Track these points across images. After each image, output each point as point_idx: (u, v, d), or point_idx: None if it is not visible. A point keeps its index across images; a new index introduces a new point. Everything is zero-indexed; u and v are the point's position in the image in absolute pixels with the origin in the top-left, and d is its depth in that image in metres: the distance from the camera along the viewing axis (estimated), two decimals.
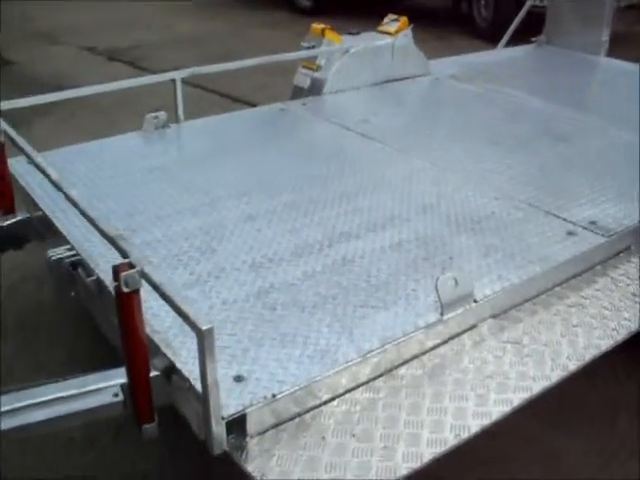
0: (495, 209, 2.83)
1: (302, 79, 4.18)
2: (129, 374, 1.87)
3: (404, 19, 4.36)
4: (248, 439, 1.82)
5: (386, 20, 4.42)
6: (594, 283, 2.54)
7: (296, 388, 1.89)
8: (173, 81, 3.61)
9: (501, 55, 5.15)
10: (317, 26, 4.17)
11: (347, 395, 1.99)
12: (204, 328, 1.61)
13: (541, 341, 2.23)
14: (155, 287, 1.74)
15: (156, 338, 2.00)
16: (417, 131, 3.65)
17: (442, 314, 2.16)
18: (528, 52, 5.23)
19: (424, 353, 2.15)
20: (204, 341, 1.62)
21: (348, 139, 3.50)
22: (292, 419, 1.90)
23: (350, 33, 4.32)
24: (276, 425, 1.87)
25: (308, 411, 1.92)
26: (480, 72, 4.59)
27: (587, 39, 4.89)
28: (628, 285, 2.53)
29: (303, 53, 4.10)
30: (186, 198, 2.92)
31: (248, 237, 2.62)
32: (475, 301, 2.24)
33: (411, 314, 2.19)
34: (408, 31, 4.36)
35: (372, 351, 2.03)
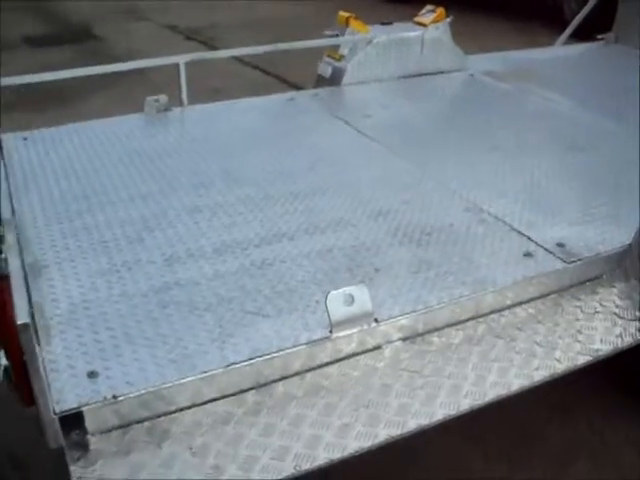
0: (455, 221, 2.61)
1: (324, 68, 4.04)
2: (7, 357, 1.86)
3: (440, 10, 4.11)
4: (89, 437, 1.77)
5: (423, 11, 4.19)
6: (538, 314, 2.28)
7: (142, 392, 1.81)
8: (177, 65, 3.57)
9: (557, 53, 4.76)
10: (342, 14, 4.00)
11: (208, 405, 1.89)
12: (19, 323, 1.57)
13: (445, 373, 2.03)
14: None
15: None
16: (418, 129, 3.44)
17: (331, 331, 2.00)
18: (589, 51, 4.81)
19: (311, 370, 2.01)
20: (21, 336, 1.58)
21: (340, 134, 3.35)
22: (141, 422, 1.82)
23: (382, 23, 4.12)
24: (122, 427, 1.80)
25: (161, 416, 1.84)
26: (522, 70, 4.26)
27: None
28: (577, 320, 2.26)
29: (325, 41, 3.97)
30: (147, 184, 2.90)
31: (181, 229, 2.56)
32: (376, 321, 2.05)
33: (299, 327, 2.05)
34: (444, 23, 4.10)
35: (236, 363, 1.91)
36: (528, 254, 2.42)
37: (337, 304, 2.00)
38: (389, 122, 3.52)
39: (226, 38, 7.20)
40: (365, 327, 2.04)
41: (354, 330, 2.03)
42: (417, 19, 4.17)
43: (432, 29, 4.05)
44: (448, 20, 4.15)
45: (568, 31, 4.77)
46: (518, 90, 3.99)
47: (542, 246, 2.46)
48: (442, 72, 4.20)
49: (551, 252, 2.42)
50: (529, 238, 2.50)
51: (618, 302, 2.36)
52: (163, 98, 3.59)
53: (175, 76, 5.70)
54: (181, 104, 3.65)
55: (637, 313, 2.31)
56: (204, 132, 3.39)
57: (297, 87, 5.81)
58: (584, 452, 2.59)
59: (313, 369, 2.01)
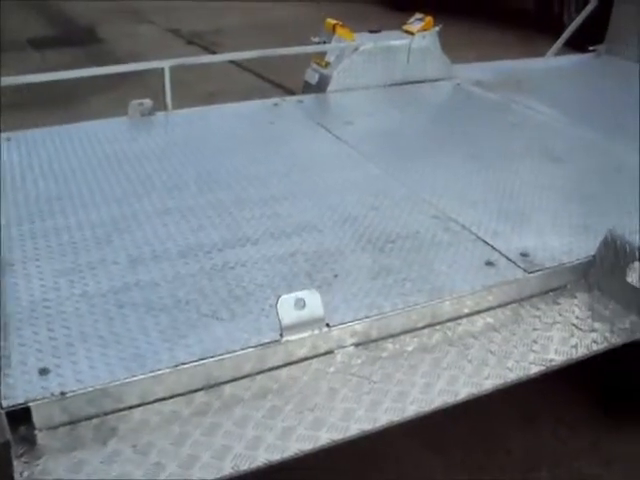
0: (422, 229, 2.63)
1: (311, 75, 4.08)
2: None
3: (429, 19, 4.14)
4: (37, 433, 1.81)
5: (412, 19, 4.22)
6: (496, 323, 2.30)
7: (90, 389, 1.85)
8: (162, 69, 3.62)
9: (548, 63, 4.77)
10: (329, 21, 4.04)
11: (157, 404, 1.93)
12: None
13: (394, 380, 2.05)
14: None
15: None
16: (399, 137, 3.47)
17: (281, 335, 2.03)
18: (580, 62, 4.82)
19: (261, 372, 2.04)
20: None
21: (319, 141, 3.38)
22: (89, 419, 1.86)
23: (370, 30, 4.15)
24: (70, 423, 1.84)
25: (109, 414, 1.88)
26: (511, 80, 4.28)
27: None
28: (534, 330, 2.28)
29: (311, 48, 4.01)
30: (122, 187, 2.94)
31: (149, 232, 2.61)
32: (328, 326, 2.08)
33: (251, 331, 2.08)
34: (431, 32, 4.13)
35: (185, 363, 1.94)
36: (490, 263, 2.44)
37: (288, 308, 2.02)
38: (370, 129, 3.55)
39: (227, 43, 7.26)
40: (316, 332, 2.07)
41: (305, 334, 2.06)
42: (405, 27, 4.20)
43: (419, 38, 4.08)
44: (436, 29, 4.17)
45: (560, 42, 4.78)
46: (504, 100, 4.01)
47: (505, 255, 2.47)
48: (429, 81, 4.23)
49: (513, 261, 2.44)
50: (493, 247, 2.52)
51: (578, 313, 2.36)
52: (147, 102, 3.64)
53: (175, 79, 5.79)
54: (165, 108, 3.70)
55: (595, 324, 2.32)
56: (185, 136, 3.43)
57: (292, 92, 5.86)
58: (547, 461, 2.59)
59: (263, 372, 2.04)
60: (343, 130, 3.49)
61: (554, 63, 4.77)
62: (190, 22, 8.36)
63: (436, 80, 4.25)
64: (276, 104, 3.84)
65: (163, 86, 3.66)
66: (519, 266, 2.42)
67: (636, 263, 2.38)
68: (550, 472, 2.55)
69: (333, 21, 4.05)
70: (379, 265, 2.40)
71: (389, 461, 2.56)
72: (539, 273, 2.40)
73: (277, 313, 2.01)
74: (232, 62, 6.36)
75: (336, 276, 2.35)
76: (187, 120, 3.62)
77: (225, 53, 3.86)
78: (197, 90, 5.83)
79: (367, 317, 2.14)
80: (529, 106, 3.91)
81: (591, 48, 4.84)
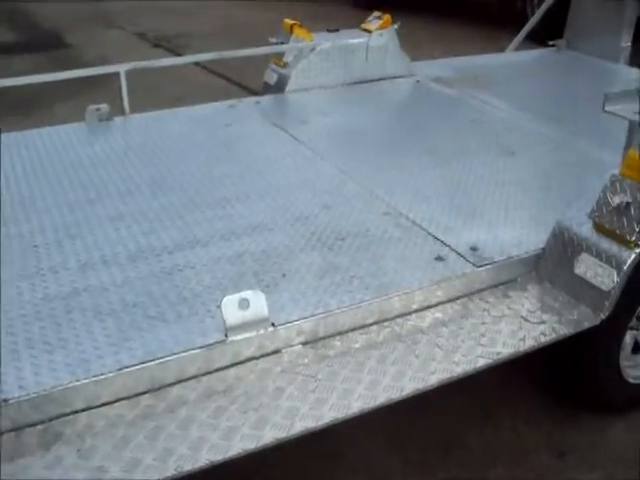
0: (373, 226, 2.65)
1: (270, 75, 4.09)
2: None
3: (387, 17, 4.16)
4: None
5: (370, 17, 4.23)
6: (445, 317, 2.32)
7: (33, 395, 1.85)
8: (117, 74, 3.61)
9: (508, 59, 4.80)
10: (287, 21, 4.05)
11: (103, 408, 1.93)
12: None
13: (340, 377, 2.06)
14: None
15: None
16: (354, 135, 3.48)
17: (226, 336, 2.04)
18: (539, 57, 4.86)
19: (207, 373, 2.04)
20: None
21: (274, 141, 3.39)
22: (34, 425, 1.86)
23: (329, 30, 4.17)
24: (15, 430, 1.83)
25: (54, 419, 1.88)
26: (470, 76, 4.31)
27: (607, 45, 4.47)
28: (483, 324, 2.30)
29: (268, 49, 4.01)
30: (75, 192, 2.94)
31: (101, 236, 2.61)
32: (273, 325, 2.09)
33: (196, 332, 2.09)
34: (389, 30, 4.15)
35: (128, 366, 1.94)
36: (439, 258, 2.46)
37: (232, 309, 2.04)
38: (326, 128, 3.56)
39: (193, 45, 7.26)
40: (262, 331, 2.08)
41: (250, 334, 2.07)
42: (363, 26, 4.22)
43: (376, 36, 4.10)
44: (395, 27, 4.19)
45: (520, 37, 4.82)
46: (462, 96, 4.04)
47: (455, 250, 2.50)
48: (388, 78, 4.25)
49: (462, 256, 2.46)
50: (443, 242, 2.54)
51: (527, 305, 2.39)
52: (104, 107, 3.63)
53: (142, 83, 5.79)
54: (123, 113, 3.69)
55: (544, 316, 2.34)
56: (141, 141, 3.43)
57: (257, 93, 5.87)
58: (504, 457, 2.61)
59: (210, 373, 2.05)
60: (299, 130, 3.50)
61: (513, 58, 4.81)
62: (157, 26, 8.35)
63: (395, 77, 4.27)
64: (233, 106, 3.85)
65: (120, 90, 3.64)
66: (468, 260, 2.44)
67: (583, 254, 2.41)
68: (507, 467, 2.56)
69: (291, 21, 4.06)
70: (328, 263, 2.42)
71: (347, 459, 2.57)
72: (488, 267, 2.43)
73: (221, 314, 2.02)
74: (199, 65, 6.36)
75: (284, 275, 2.36)
76: (144, 125, 3.61)
77: (184, 56, 3.83)
78: (164, 94, 5.82)
79: (313, 315, 2.16)
80: (487, 101, 3.94)
81: (551, 43, 4.88)
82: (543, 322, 2.31)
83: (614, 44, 4.48)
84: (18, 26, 8.29)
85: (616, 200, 2.32)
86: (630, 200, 2.31)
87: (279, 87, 4.01)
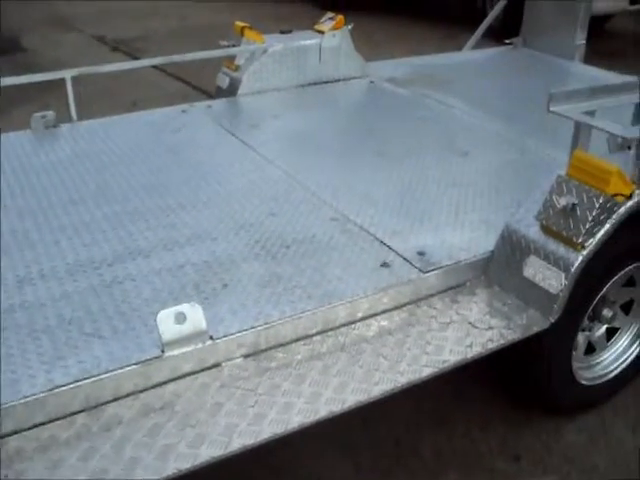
0: (319, 232, 2.60)
1: (222, 79, 4.02)
2: None
3: (340, 18, 4.11)
4: None
5: (323, 18, 4.18)
6: (391, 325, 2.27)
7: None
8: (63, 80, 3.52)
9: (465, 57, 4.78)
10: (238, 24, 3.99)
11: (36, 430, 1.85)
12: None
13: (280, 391, 2.01)
14: None
15: None
16: (305, 138, 3.43)
17: (163, 351, 1.97)
18: (496, 55, 4.84)
19: (144, 390, 1.98)
20: None
21: (223, 146, 3.32)
22: None
23: (282, 31, 4.11)
24: None
25: None
26: (425, 75, 4.27)
27: (562, 42, 4.46)
28: (429, 331, 2.26)
29: (219, 52, 3.93)
30: (15, 203, 2.85)
31: (41, 249, 2.53)
32: (212, 338, 2.03)
33: (132, 348, 2.02)
34: (342, 30, 4.09)
35: (63, 385, 1.87)
36: (385, 264, 2.41)
37: (168, 323, 1.97)
38: (277, 132, 3.50)
39: (151, 48, 7.16)
40: (200, 345, 2.02)
41: (188, 349, 2.00)
42: (316, 27, 4.17)
43: (329, 36, 4.05)
44: (348, 27, 4.14)
45: (476, 35, 4.79)
46: (416, 96, 4.00)
47: (401, 255, 2.45)
48: (342, 80, 4.19)
49: (409, 261, 2.42)
50: (390, 248, 2.50)
51: (476, 310, 2.35)
52: (50, 114, 3.54)
53: (100, 88, 5.70)
54: (70, 120, 3.60)
55: (492, 322, 2.30)
56: (88, 148, 3.34)
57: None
58: (457, 462, 2.57)
59: (147, 389, 1.98)
60: (249, 134, 3.44)
61: (470, 57, 4.78)
62: (117, 29, 8.23)
63: (349, 79, 4.22)
64: (184, 111, 3.77)
65: (66, 97, 3.55)
66: (415, 266, 2.39)
67: (531, 257, 2.37)
68: (460, 473, 2.53)
69: (241, 24, 4.00)
70: (270, 272, 2.36)
71: (300, 464, 2.52)
72: (435, 272, 2.38)
73: (157, 328, 1.96)
74: (158, 69, 6.27)
75: (225, 286, 2.30)
76: (91, 131, 3.53)
77: (131, 61, 3.75)
78: (120, 98, 5.73)
79: (253, 327, 2.10)
80: (441, 101, 3.90)
81: (507, 41, 4.86)
82: (491, 328, 2.27)
83: (569, 42, 4.48)
84: None
85: (562, 202, 2.28)
86: (576, 201, 2.28)
87: (231, 91, 3.94)
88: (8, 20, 8.24)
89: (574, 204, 2.28)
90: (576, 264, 2.25)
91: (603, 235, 2.26)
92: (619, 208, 2.26)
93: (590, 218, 2.24)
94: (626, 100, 2.56)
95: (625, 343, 2.81)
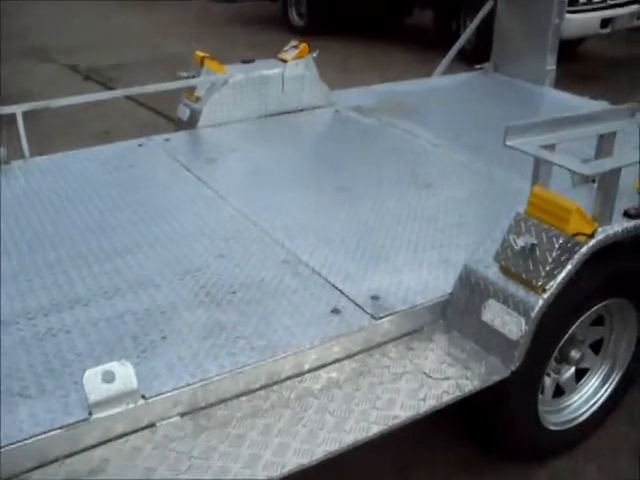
0: (269, 275, 2.46)
1: (183, 111, 3.89)
2: None
3: (304, 46, 4.00)
4: None
5: (286, 47, 4.07)
6: (340, 377, 2.13)
7: None
8: (14, 115, 3.39)
9: (434, 83, 4.67)
10: (198, 53, 3.87)
11: None
12: None
13: (216, 453, 1.86)
14: None
15: None
16: (263, 173, 3.30)
17: (90, 413, 1.83)
18: (466, 80, 4.74)
19: (71, 455, 1.83)
20: None
21: (177, 183, 3.19)
22: None
23: (244, 61, 3.99)
24: None
25: None
26: (392, 103, 4.16)
27: (532, 67, 4.36)
28: (380, 384, 2.12)
29: (178, 83, 3.82)
30: None
31: None
32: (144, 397, 1.88)
33: (58, 410, 1.88)
34: (307, 59, 3.98)
35: None
36: (335, 310, 2.27)
37: (95, 383, 1.83)
38: (233, 167, 3.37)
39: (124, 78, 7.04)
40: (131, 405, 1.87)
41: (117, 410, 1.86)
42: (280, 55, 4.06)
43: (292, 65, 3.93)
44: (313, 55, 4.03)
45: (446, 60, 4.69)
46: (381, 125, 3.88)
47: (353, 301, 2.32)
48: (306, 109, 4.08)
49: (361, 307, 2.28)
50: (341, 292, 2.36)
51: (432, 359, 2.22)
52: (2, 151, 3.40)
53: (69, 118, 5.57)
54: (22, 156, 3.46)
55: (449, 371, 2.16)
56: (36, 186, 3.19)
57: None
58: None
59: (75, 454, 1.83)
60: (205, 169, 3.31)
61: (439, 83, 4.67)
62: (91, 58, 8.13)
63: (314, 108, 4.10)
64: (141, 145, 3.64)
65: (17, 132, 3.42)
66: (367, 312, 2.26)
67: (490, 301, 2.24)
68: None
69: (201, 53, 3.88)
70: (213, 321, 2.22)
71: None
72: (388, 318, 2.25)
73: (84, 389, 1.81)
74: (129, 98, 6.15)
75: (164, 338, 2.16)
76: (43, 168, 3.39)
77: (90, 94, 3.64)
78: (91, 129, 5.61)
79: (189, 384, 1.95)
80: (407, 130, 3.78)
81: (477, 66, 4.76)
82: (447, 378, 2.13)
83: (539, 67, 4.38)
84: None
85: (520, 242, 2.15)
86: (535, 242, 2.15)
87: (192, 122, 3.82)
88: None
89: (533, 244, 2.15)
90: (536, 308, 2.12)
91: (565, 277, 2.13)
92: (580, 248, 2.13)
93: (550, 260, 2.11)
94: (588, 133, 2.44)
95: (595, 384, 2.67)
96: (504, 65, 4.65)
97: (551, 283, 2.12)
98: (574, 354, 2.52)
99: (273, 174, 3.28)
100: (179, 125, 3.91)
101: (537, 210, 2.19)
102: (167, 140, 3.68)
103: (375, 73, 6.72)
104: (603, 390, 2.67)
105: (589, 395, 2.66)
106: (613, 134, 2.51)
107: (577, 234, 2.13)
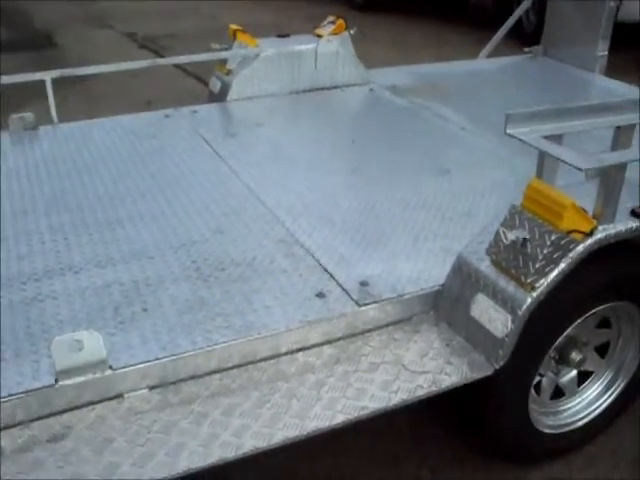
0: (261, 254, 2.47)
1: (214, 83, 3.92)
2: None
3: (340, 22, 3.95)
4: None
5: (324, 22, 4.03)
6: (317, 363, 2.12)
7: None
8: (43, 81, 3.48)
9: (477, 66, 4.54)
10: (231, 27, 3.87)
11: None
12: None
13: (176, 430, 1.89)
14: None
15: None
16: (282, 149, 3.29)
17: (57, 380, 1.88)
18: (511, 64, 4.59)
19: (38, 419, 1.89)
20: None
21: (194, 155, 3.22)
22: None
23: (279, 35, 3.98)
24: None
25: None
26: (430, 85, 4.07)
27: (583, 53, 4.20)
28: (355, 372, 2.10)
29: (208, 55, 3.84)
30: None
31: None
32: (111, 368, 1.92)
33: (28, 374, 1.95)
34: (342, 35, 3.94)
35: None
36: (321, 294, 2.26)
37: (63, 351, 1.87)
38: (254, 142, 3.37)
39: (177, 46, 7.14)
40: (98, 375, 1.91)
41: (84, 378, 1.90)
42: (316, 31, 4.02)
43: (325, 42, 3.89)
44: (351, 32, 3.98)
45: (492, 43, 4.56)
46: (414, 106, 3.82)
47: (341, 285, 2.30)
48: (340, 86, 4.04)
49: (347, 292, 2.26)
50: (331, 276, 2.35)
51: (414, 350, 2.18)
52: (29, 116, 3.50)
53: (118, 85, 5.69)
54: (51, 122, 3.56)
55: (429, 365, 2.13)
56: (58, 153, 3.28)
57: None
58: None
59: (40, 419, 1.89)
60: (224, 143, 3.32)
61: (483, 66, 4.54)
62: (148, 26, 8.26)
63: (348, 85, 4.05)
64: (167, 116, 3.68)
65: (47, 98, 3.51)
66: (352, 298, 2.24)
67: (479, 295, 2.19)
68: None
69: (234, 26, 3.88)
70: (196, 297, 2.24)
71: None
72: (372, 306, 2.22)
73: (52, 356, 1.86)
74: (178, 67, 6.23)
75: (145, 310, 2.19)
76: (69, 135, 3.47)
77: (113, 64, 3.69)
78: (136, 97, 5.70)
79: (157, 358, 1.98)
80: (439, 113, 3.71)
81: (526, 50, 4.61)
82: (425, 372, 2.10)
83: (590, 53, 4.21)
84: (11, 25, 8.27)
85: (511, 236, 2.09)
86: (528, 236, 2.08)
87: (222, 96, 3.84)
88: (45, 17, 8.38)
89: (525, 239, 2.08)
90: (524, 307, 2.05)
91: (557, 275, 2.05)
92: (576, 246, 2.05)
93: (541, 256, 2.04)
94: (601, 124, 2.33)
95: (599, 389, 2.58)
96: (554, 49, 4.49)
97: (541, 281, 2.05)
98: (574, 356, 2.43)
99: (291, 152, 3.27)
100: (210, 97, 3.94)
101: (533, 204, 2.12)
102: (194, 112, 3.72)
103: (429, 52, 6.60)
104: (606, 396, 2.58)
105: (591, 400, 2.58)
106: (632, 126, 2.39)
107: (573, 231, 2.05)
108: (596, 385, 2.59)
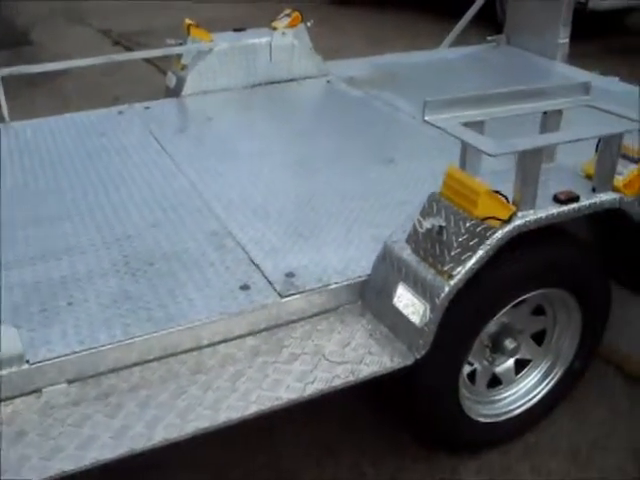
0: (193, 247, 2.52)
1: (170, 78, 3.96)
2: None
3: (296, 14, 3.99)
4: None
5: (281, 15, 4.07)
6: (235, 354, 2.17)
7: None
8: (9, 79, 3.53)
9: (439, 56, 4.57)
10: (187, 21, 3.92)
11: None
12: None
13: (89, 423, 1.94)
14: None
15: None
16: (229, 144, 3.33)
17: None
18: (474, 53, 4.61)
19: None
20: None
21: (140, 152, 3.27)
22: None
23: (235, 29, 4.02)
24: None
25: None
26: (388, 75, 4.10)
27: (545, 41, 4.22)
28: (274, 362, 2.15)
29: (161, 51, 3.89)
30: None
31: None
32: (28, 362, 1.97)
33: None
34: (297, 28, 3.97)
35: None
36: (245, 286, 2.31)
37: None
38: (201, 137, 3.42)
39: (152, 43, 7.16)
40: (13, 369, 1.96)
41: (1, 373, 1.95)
42: (273, 24, 4.06)
43: (279, 35, 3.93)
44: (305, 24, 4.01)
45: (454, 32, 4.58)
46: (367, 97, 3.85)
47: (267, 277, 2.34)
48: (297, 79, 4.07)
49: (271, 284, 2.31)
50: (258, 267, 2.39)
51: (335, 341, 2.22)
52: None
53: (90, 82, 5.73)
54: (2, 120, 3.61)
55: (349, 355, 2.16)
56: (7, 151, 3.32)
57: None
58: None
59: None
60: (173, 139, 3.37)
61: (445, 55, 4.57)
62: (123, 23, 8.33)
63: (305, 78, 4.09)
64: (121, 112, 3.73)
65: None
66: (275, 289, 2.28)
67: (401, 284, 2.22)
68: None
69: (189, 21, 3.92)
70: (122, 291, 2.29)
71: None
72: (295, 297, 2.26)
73: None
74: (151, 63, 6.28)
75: (70, 304, 2.24)
76: (19, 133, 3.52)
77: (65, 61, 3.75)
78: (105, 94, 5.75)
79: (75, 352, 2.03)
80: (391, 103, 3.74)
81: (490, 38, 4.64)
82: (345, 362, 2.14)
83: (552, 40, 4.23)
84: None
85: (426, 224, 2.13)
86: (444, 224, 2.12)
87: (177, 91, 3.88)
88: (24, 14, 8.44)
89: (441, 227, 2.12)
90: (442, 295, 2.09)
91: (475, 263, 2.09)
92: (494, 233, 2.08)
93: (456, 244, 2.08)
94: (527, 110, 2.37)
95: (536, 377, 2.62)
96: (517, 37, 4.52)
97: (459, 269, 2.09)
98: (508, 344, 2.46)
99: (239, 145, 3.31)
100: (167, 92, 3.99)
101: (450, 191, 2.16)
102: (147, 108, 3.76)
103: (403, 43, 6.63)
104: (544, 384, 2.62)
105: (528, 388, 2.61)
106: (559, 112, 2.43)
107: (489, 218, 2.09)
108: (534, 373, 2.62)
